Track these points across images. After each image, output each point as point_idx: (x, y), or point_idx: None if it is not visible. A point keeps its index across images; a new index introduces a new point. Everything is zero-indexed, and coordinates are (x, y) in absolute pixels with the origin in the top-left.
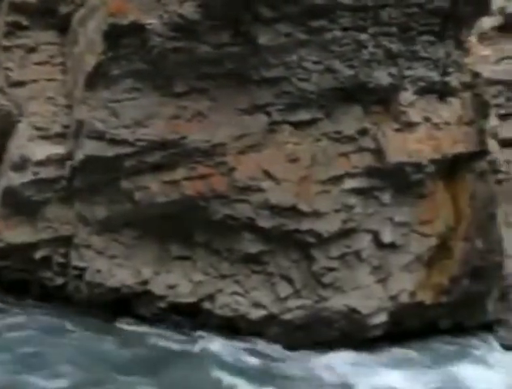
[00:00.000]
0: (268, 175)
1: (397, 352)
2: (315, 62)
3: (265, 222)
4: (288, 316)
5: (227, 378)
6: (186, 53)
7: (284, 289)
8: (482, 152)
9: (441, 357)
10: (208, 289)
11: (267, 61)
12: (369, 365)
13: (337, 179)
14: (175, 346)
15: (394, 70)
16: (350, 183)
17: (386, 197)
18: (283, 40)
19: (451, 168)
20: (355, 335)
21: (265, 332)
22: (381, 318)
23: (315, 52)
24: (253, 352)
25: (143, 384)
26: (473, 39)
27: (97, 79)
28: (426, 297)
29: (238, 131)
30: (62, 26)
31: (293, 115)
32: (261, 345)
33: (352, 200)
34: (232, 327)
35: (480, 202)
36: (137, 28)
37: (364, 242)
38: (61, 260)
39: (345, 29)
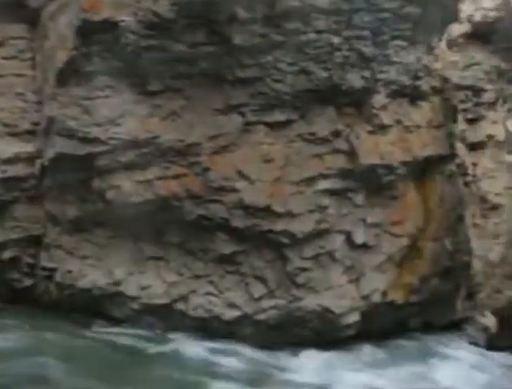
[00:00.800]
0: (242, 175)
1: (369, 350)
2: (290, 64)
3: (239, 222)
4: (261, 316)
5: (200, 379)
6: (161, 52)
7: (258, 289)
8: (451, 155)
9: (412, 355)
10: (182, 290)
11: (242, 62)
12: (342, 364)
13: (311, 180)
14: (148, 348)
15: (367, 73)
16: (323, 184)
17: (358, 198)
18: (258, 40)
19: (421, 170)
20: (328, 334)
21: (239, 333)
22: (354, 317)
23: (290, 53)
24: (227, 353)
25: (115, 387)
26: (443, 45)
27: (69, 75)
28: (397, 297)
29: (212, 131)
30: (32, 20)
31: (268, 116)
32: (235, 346)
33: (326, 201)
34: (207, 328)
35: (448, 203)
36: (110, 25)
37: (337, 243)
38: (29, 261)
39: (319, 32)
